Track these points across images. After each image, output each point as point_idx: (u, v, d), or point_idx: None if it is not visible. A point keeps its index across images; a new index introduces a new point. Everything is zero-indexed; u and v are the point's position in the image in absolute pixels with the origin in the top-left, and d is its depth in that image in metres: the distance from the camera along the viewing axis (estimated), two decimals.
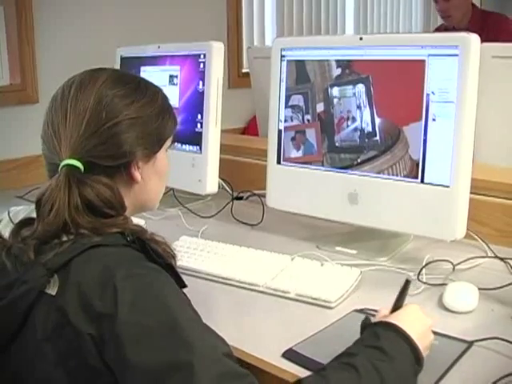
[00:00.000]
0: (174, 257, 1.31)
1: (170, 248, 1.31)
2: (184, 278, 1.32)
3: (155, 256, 1.26)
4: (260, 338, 1.47)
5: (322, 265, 1.79)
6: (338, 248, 1.98)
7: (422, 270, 1.77)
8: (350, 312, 1.56)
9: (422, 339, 1.29)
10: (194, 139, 2.31)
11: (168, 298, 1.14)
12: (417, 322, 1.32)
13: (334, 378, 1.17)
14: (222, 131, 2.32)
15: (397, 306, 1.35)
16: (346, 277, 1.72)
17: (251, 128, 3.94)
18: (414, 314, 1.34)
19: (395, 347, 1.24)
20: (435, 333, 1.37)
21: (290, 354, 1.38)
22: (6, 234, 1.30)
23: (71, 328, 1.14)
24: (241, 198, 2.52)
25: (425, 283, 1.72)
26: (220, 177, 2.33)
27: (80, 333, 1.13)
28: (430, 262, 1.81)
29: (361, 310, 1.56)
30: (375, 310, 1.42)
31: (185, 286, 1.30)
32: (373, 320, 1.33)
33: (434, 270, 1.78)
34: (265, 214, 2.24)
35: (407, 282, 1.35)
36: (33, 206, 1.28)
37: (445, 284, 1.68)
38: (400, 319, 1.30)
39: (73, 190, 1.24)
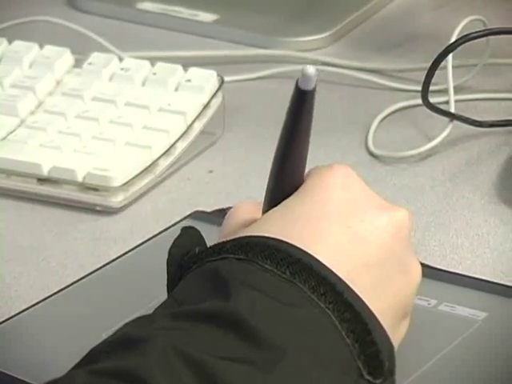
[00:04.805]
0: None
1: None
2: None
3: None
4: None
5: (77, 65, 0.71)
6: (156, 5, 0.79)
7: (439, 66, 0.64)
8: (178, 221, 0.59)
9: (379, 290, 0.41)
10: None
11: None
12: (356, 227, 0.42)
13: None
14: None
15: (280, 179, 0.43)
16: (163, 102, 0.68)
17: None
18: (338, 201, 0.42)
19: (281, 320, 0.37)
20: (443, 274, 0.51)
21: None
22: None
23: None
24: None
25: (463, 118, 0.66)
26: None
27: None
28: (466, 39, 0.66)
29: (211, 214, 0.59)
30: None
31: None
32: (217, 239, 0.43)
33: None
34: None
35: (303, 92, 0.39)
36: None
37: None
38: (296, 228, 0.41)
39: None
